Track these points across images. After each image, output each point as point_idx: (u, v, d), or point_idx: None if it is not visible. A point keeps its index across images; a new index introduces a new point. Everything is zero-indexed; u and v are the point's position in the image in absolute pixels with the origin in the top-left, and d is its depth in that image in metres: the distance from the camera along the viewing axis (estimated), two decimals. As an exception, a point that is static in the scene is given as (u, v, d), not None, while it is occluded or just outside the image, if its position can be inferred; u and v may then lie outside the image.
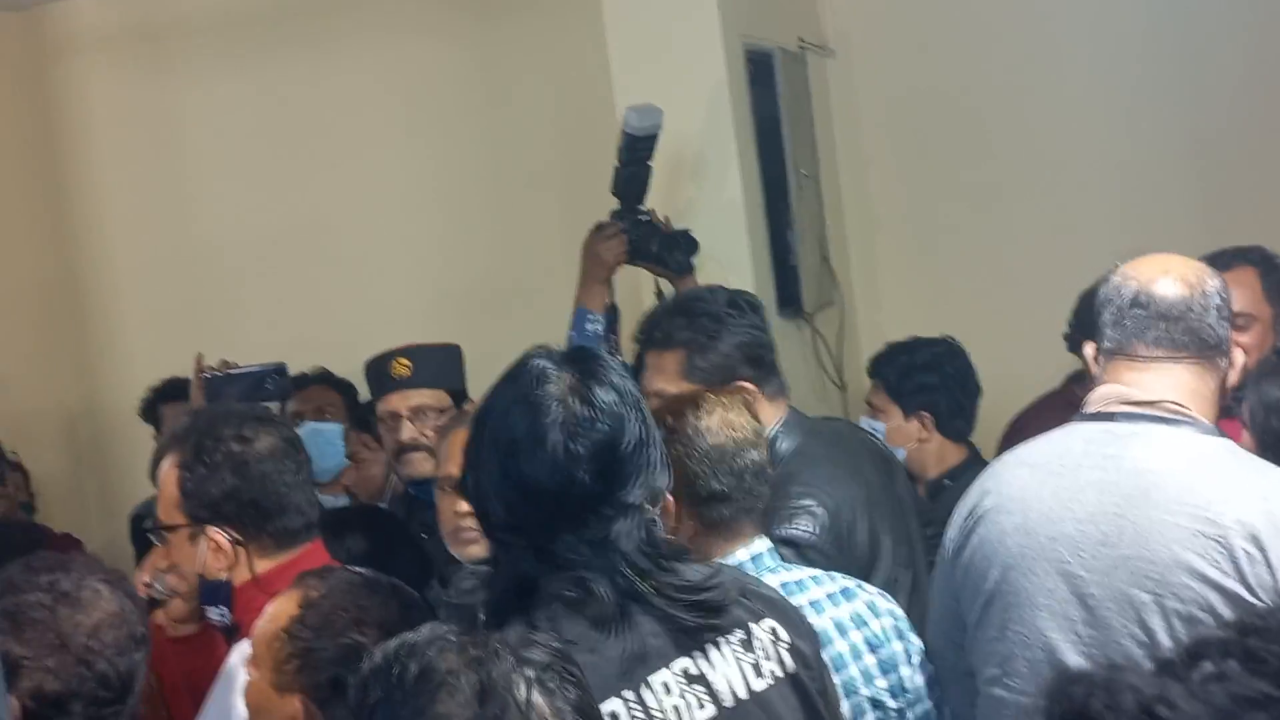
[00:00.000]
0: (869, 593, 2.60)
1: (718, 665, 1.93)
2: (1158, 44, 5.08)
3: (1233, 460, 2.33)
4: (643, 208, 4.25)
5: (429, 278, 5.72)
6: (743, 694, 1.94)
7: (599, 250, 4.13)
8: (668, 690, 1.86)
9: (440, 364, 3.89)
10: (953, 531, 2.53)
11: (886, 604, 2.60)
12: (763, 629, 1.99)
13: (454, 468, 2.76)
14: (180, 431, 2.65)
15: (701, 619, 1.90)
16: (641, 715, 1.83)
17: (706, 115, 4.58)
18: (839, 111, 5.45)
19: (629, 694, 1.83)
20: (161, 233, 6.10)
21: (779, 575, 2.47)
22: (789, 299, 4.90)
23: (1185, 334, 2.35)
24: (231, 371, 3.95)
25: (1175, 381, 2.35)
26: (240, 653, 2.43)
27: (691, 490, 2.43)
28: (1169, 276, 2.39)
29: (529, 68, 5.55)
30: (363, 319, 5.58)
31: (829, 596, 2.53)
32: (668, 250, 4.19)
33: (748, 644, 1.97)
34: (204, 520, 2.54)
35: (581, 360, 1.91)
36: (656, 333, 3.02)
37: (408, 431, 3.78)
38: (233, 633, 2.58)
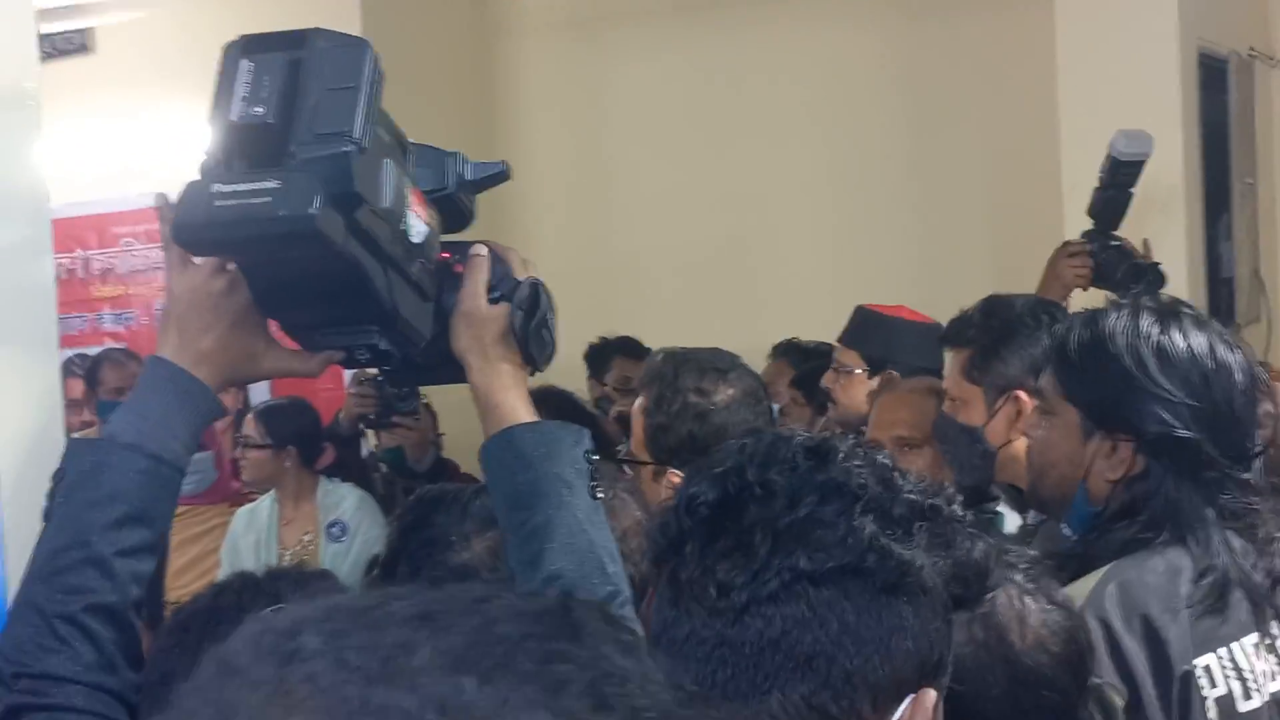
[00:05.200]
0: None
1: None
2: None
3: None
4: (1116, 233, 3.97)
5: (843, 265, 5.78)
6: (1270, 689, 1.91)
7: (1060, 269, 3.85)
8: (1255, 653, 1.86)
9: (864, 328, 3.93)
10: None
11: None
12: None
13: (879, 433, 2.94)
14: (650, 374, 2.81)
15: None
16: (1233, 671, 1.84)
17: (1155, 118, 4.47)
18: (1278, 122, 5.27)
19: (1253, 639, 1.86)
20: (582, 211, 6.36)
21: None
22: (1219, 311, 4.76)
23: None
24: None
25: None
26: None
27: None
28: None
29: (964, 66, 5.54)
30: (771, 303, 5.69)
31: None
32: (1133, 280, 3.76)
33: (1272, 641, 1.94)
34: (664, 462, 2.68)
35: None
36: (953, 330, 2.97)
37: (826, 379, 3.89)
38: None
